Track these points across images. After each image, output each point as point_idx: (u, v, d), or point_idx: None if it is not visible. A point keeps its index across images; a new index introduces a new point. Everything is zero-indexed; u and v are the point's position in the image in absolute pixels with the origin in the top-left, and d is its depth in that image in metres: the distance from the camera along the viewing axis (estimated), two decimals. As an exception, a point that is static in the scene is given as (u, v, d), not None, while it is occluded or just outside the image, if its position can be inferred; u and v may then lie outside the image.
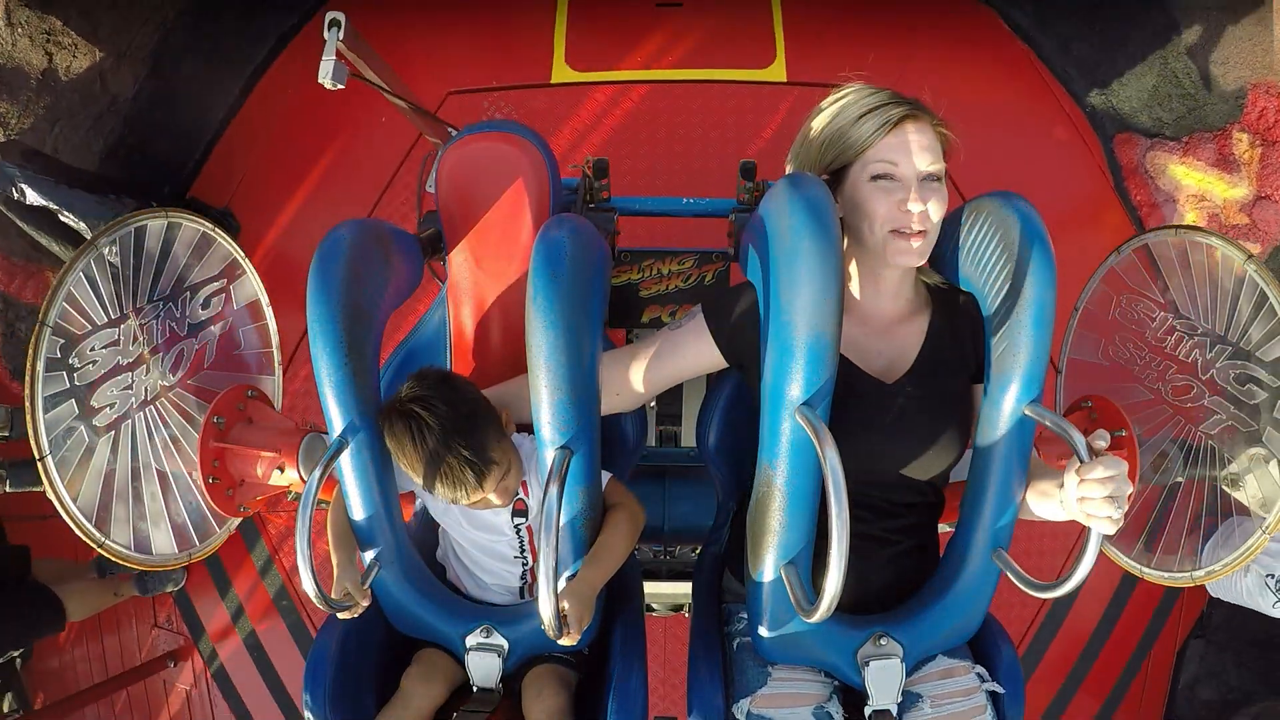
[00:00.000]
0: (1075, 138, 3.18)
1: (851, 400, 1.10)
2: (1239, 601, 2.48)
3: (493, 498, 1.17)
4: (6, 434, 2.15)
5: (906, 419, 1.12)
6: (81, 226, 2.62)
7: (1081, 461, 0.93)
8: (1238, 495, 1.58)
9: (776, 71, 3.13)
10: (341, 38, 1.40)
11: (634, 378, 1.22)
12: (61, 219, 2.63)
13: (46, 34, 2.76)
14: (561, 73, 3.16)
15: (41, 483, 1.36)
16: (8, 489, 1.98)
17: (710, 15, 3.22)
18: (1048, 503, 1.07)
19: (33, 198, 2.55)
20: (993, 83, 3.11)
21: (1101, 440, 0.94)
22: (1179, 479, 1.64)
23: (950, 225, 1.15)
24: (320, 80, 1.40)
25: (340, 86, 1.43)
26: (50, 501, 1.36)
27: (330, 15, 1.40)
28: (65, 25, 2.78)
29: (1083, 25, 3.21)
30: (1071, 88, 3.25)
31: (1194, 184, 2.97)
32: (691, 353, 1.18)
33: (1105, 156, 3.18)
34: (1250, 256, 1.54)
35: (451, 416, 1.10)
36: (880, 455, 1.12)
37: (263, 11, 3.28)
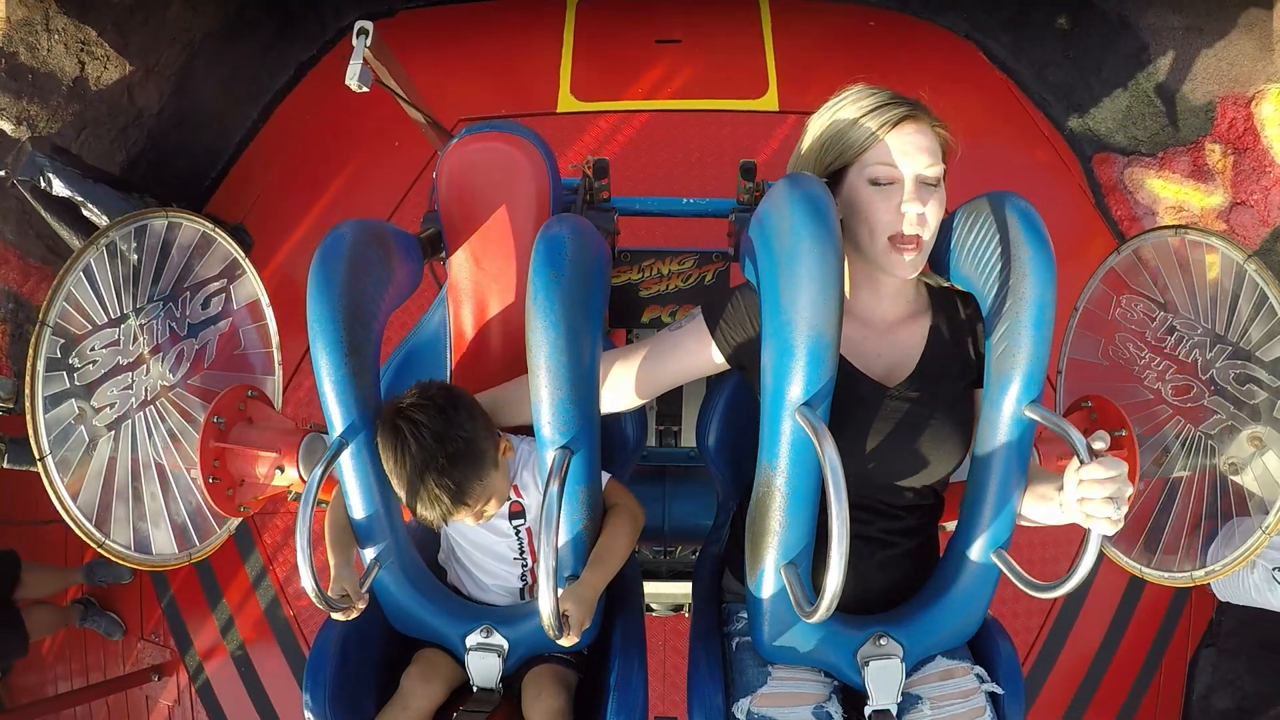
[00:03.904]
0: (1055, 159, 3.35)
1: (852, 404, 1.09)
2: (1247, 601, 2.47)
3: (467, 520, 1.17)
4: (11, 406, 2.14)
5: (908, 424, 1.11)
6: (103, 221, 2.66)
7: (1081, 462, 0.93)
8: (1238, 479, 1.58)
9: (769, 101, 3.37)
10: (368, 45, 1.49)
11: (634, 378, 1.22)
12: (84, 213, 2.70)
13: (81, 43, 2.87)
14: (567, 102, 3.39)
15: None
16: (5, 465, 1.98)
17: (706, 50, 3.45)
18: (1046, 506, 1.07)
19: (59, 188, 2.62)
20: (975, 111, 3.35)
21: (1101, 441, 0.94)
22: (1181, 473, 1.64)
23: (949, 224, 1.15)
24: (347, 82, 1.49)
25: (365, 89, 1.51)
26: (49, 500, 1.36)
27: (359, 24, 1.50)
28: (100, 37, 2.89)
29: (1057, 53, 3.40)
30: (1049, 112, 3.44)
31: (1171, 196, 3.13)
32: (692, 354, 1.18)
33: (1085, 175, 3.36)
34: (1250, 256, 1.54)
35: (436, 452, 1.09)
36: (881, 460, 1.12)
37: (285, 41, 3.50)
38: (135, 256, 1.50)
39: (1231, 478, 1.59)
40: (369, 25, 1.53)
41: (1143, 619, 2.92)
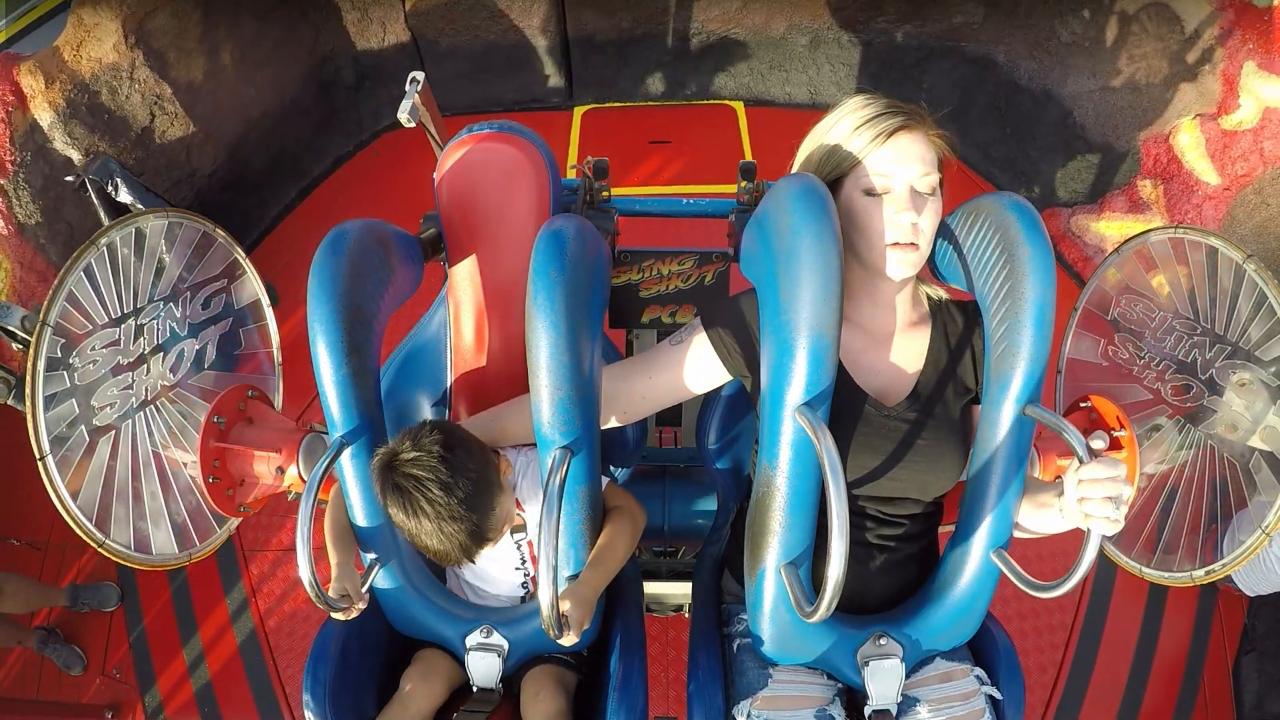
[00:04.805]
0: None
1: (850, 422, 1.09)
2: (1273, 582, 2.45)
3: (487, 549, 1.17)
4: (30, 339, 2.12)
5: (905, 444, 1.11)
6: None
7: (1081, 462, 0.93)
8: (1235, 439, 1.57)
9: None
10: (419, 91, 1.79)
11: (636, 394, 1.21)
12: None
13: (156, 98, 3.21)
14: None
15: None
16: (10, 401, 1.97)
17: (693, 147, 4.10)
18: (1046, 513, 1.07)
19: (123, 194, 2.84)
20: None
21: (1100, 441, 0.94)
22: (1180, 453, 1.64)
23: (948, 225, 1.15)
24: (399, 115, 1.78)
25: (412, 124, 1.80)
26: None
27: (413, 74, 1.81)
28: (174, 95, 3.25)
29: (997, 131, 3.93)
30: (997, 183, 3.96)
31: (1115, 231, 3.49)
32: (692, 367, 1.18)
33: None
34: (1250, 255, 1.54)
35: (447, 503, 1.06)
36: (878, 477, 1.12)
37: (328, 134, 4.10)
38: (137, 256, 1.49)
39: (1228, 438, 1.58)
40: (420, 75, 1.81)
41: (1170, 637, 2.86)
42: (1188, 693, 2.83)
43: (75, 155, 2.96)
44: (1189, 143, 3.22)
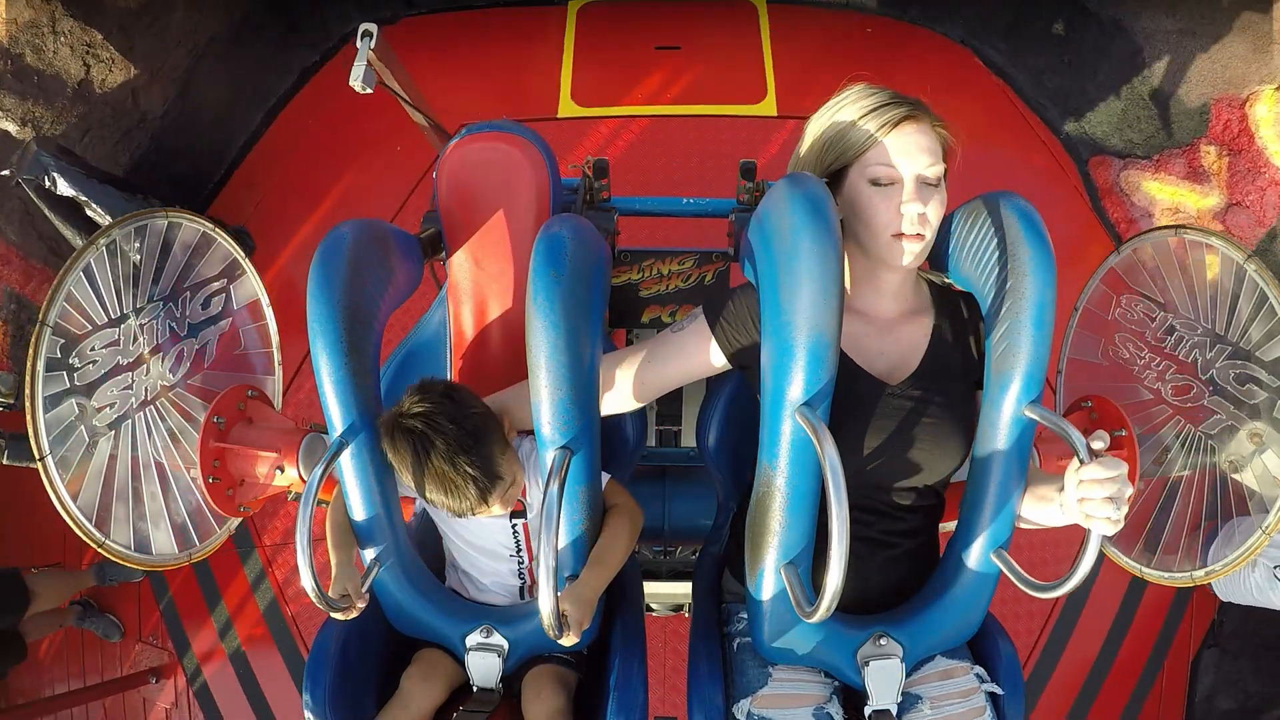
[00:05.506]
0: (1052, 163, 3.41)
1: (853, 402, 1.09)
2: (1248, 600, 2.47)
3: (496, 508, 1.17)
4: (11, 402, 2.13)
5: (909, 423, 1.11)
6: (107, 220, 2.64)
7: (1081, 462, 0.93)
8: (1238, 478, 1.58)
9: (768, 107, 3.44)
10: (373, 47, 1.52)
11: (635, 380, 1.22)
12: (88, 213, 2.70)
13: (87, 46, 2.90)
14: (568, 108, 3.45)
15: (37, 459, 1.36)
16: (5, 461, 1.97)
17: (706, 56, 3.52)
18: (1047, 507, 1.07)
19: (63, 188, 2.62)
20: (972, 117, 3.39)
21: (1100, 441, 0.94)
22: (1181, 473, 1.64)
23: (949, 224, 1.15)
24: (351, 83, 1.51)
25: (369, 90, 1.54)
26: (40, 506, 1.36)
27: (363, 26, 1.53)
28: (105, 40, 2.92)
29: (1053, 58, 3.45)
30: (1046, 117, 3.49)
31: (1168, 197, 3.15)
32: (693, 355, 1.18)
33: (1082, 179, 3.40)
34: (1250, 256, 1.54)
35: (457, 434, 1.09)
36: (881, 459, 1.12)
37: (289, 47, 3.56)
38: (137, 256, 1.50)
39: (1232, 476, 1.59)
40: (373, 28, 1.54)
41: (1144, 620, 2.92)
42: (1147, 681, 2.91)
43: (12, 127, 2.76)
44: (1266, 115, 2.89)
